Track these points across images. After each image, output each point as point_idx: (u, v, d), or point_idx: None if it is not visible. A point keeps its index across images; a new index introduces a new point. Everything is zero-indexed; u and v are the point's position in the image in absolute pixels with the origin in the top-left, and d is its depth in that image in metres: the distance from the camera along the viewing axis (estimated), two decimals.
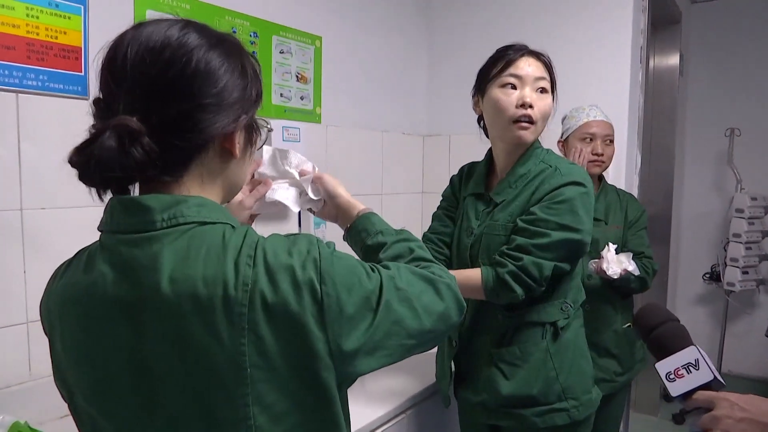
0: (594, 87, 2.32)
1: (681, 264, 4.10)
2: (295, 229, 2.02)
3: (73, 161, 0.65)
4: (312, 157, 1.92)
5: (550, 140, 1.74)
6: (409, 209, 2.72)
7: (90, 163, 0.64)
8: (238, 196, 1.05)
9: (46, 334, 0.77)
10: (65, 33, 1.40)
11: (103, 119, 0.66)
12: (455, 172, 1.63)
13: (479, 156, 1.57)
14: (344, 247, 0.91)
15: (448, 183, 1.63)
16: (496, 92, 1.38)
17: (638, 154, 2.53)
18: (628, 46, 2.31)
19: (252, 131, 0.78)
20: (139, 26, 0.69)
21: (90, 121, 0.69)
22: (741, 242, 3.59)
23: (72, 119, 1.37)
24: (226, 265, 0.65)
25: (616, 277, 1.84)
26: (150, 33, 0.68)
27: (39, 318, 0.78)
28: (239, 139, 0.74)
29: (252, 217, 1.10)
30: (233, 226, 0.71)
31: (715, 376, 0.89)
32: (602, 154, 2.01)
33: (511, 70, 1.36)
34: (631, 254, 1.90)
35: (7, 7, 1.29)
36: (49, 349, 0.77)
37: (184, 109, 0.67)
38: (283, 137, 1.89)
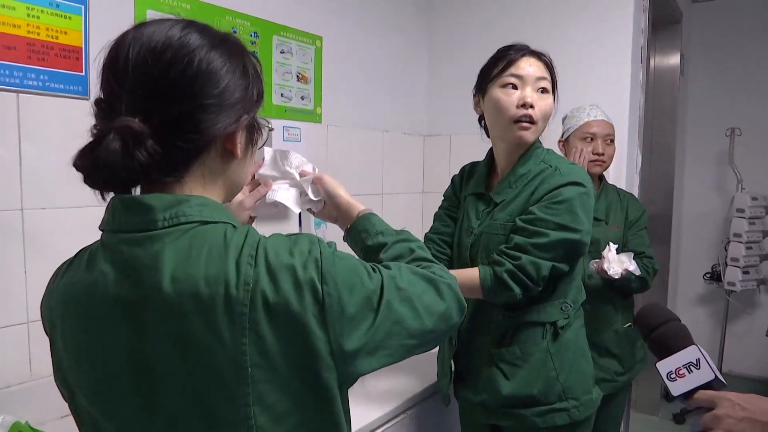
0: (594, 87, 2.32)
1: (681, 264, 4.10)
2: (295, 229, 2.02)
3: (77, 165, 0.65)
4: (312, 157, 1.92)
5: (550, 140, 1.74)
6: (409, 209, 2.72)
7: (95, 166, 0.64)
8: (238, 197, 1.05)
9: (46, 333, 0.77)
10: (66, 33, 1.40)
11: (105, 120, 0.66)
12: (456, 172, 1.63)
13: (480, 156, 1.57)
14: (345, 248, 0.91)
15: (448, 183, 1.63)
16: (497, 92, 1.38)
17: (639, 154, 2.53)
18: (628, 45, 2.31)
19: (253, 131, 0.78)
20: (140, 26, 0.69)
21: (91, 121, 0.69)
22: (742, 242, 3.59)
23: (72, 119, 1.37)
24: (228, 264, 0.65)
25: (617, 277, 1.84)
26: (151, 33, 0.68)
27: (39, 318, 0.78)
28: (241, 139, 0.74)
29: (252, 218, 1.10)
30: (235, 226, 0.71)
31: (716, 375, 0.89)
32: (603, 154, 2.01)
33: (512, 70, 1.36)
34: (632, 254, 1.90)
35: (8, 7, 1.29)
36: (50, 349, 0.77)
37: (186, 110, 0.67)
38: (284, 137, 1.89)
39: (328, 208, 1.12)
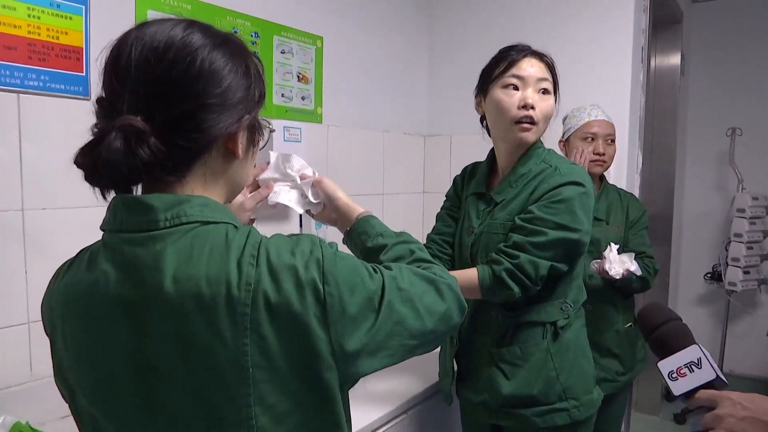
0: (595, 87, 2.32)
1: (682, 264, 4.09)
2: (296, 230, 2.02)
3: (78, 162, 0.65)
4: (313, 157, 1.92)
5: (551, 140, 1.74)
6: (410, 209, 2.72)
7: (97, 164, 0.64)
8: (239, 198, 1.06)
9: (46, 333, 0.77)
10: (66, 33, 1.40)
11: (107, 119, 0.66)
12: (456, 172, 1.63)
13: (480, 156, 1.57)
14: (345, 249, 0.91)
15: (448, 183, 1.64)
16: (498, 93, 1.38)
17: (639, 154, 2.53)
18: (629, 45, 2.31)
19: (255, 132, 0.78)
20: (142, 26, 0.69)
21: (92, 121, 0.69)
22: (742, 242, 3.59)
23: (73, 120, 1.37)
24: (229, 264, 0.65)
25: (618, 277, 1.84)
26: (154, 33, 0.68)
27: (40, 318, 0.78)
28: (242, 140, 0.74)
29: (252, 219, 1.10)
30: (236, 226, 0.71)
31: (717, 374, 0.89)
32: (604, 154, 2.01)
33: (514, 70, 1.36)
34: (633, 254, 1.90)
35: (9, 8, 1.29)
36: (50, 349, 0.77)
37: (188, 109, 0.67)
38: (285, 137, 1.89)
39: (328, 210, 1.12)
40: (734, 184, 3.76)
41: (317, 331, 0.66)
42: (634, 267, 1.86)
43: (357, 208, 1.07)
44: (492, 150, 1.52)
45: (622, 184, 2.30)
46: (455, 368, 1.54)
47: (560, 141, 2.10)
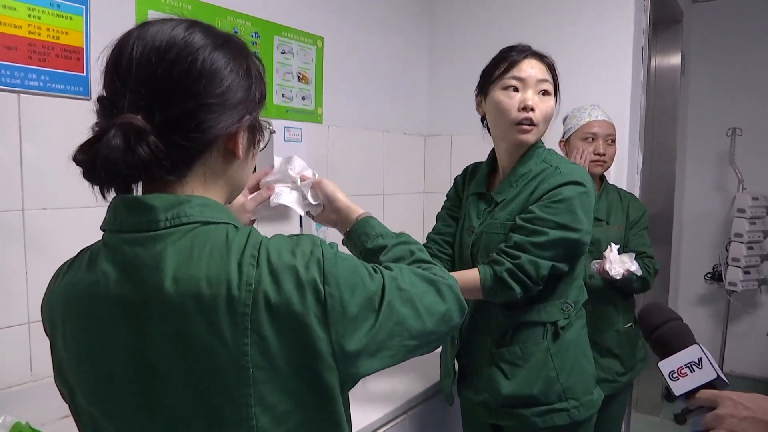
0: (595, 87, 2.32)
1: (682, 264, 4.09)
2: (297, 231, 2.02)
3: (77, 159, 0.65)
4: (313, 158, 1.92)
5: (551, 140, 1.74)
6: (410, 209, 2.72)
7: (96, 161, 0.64)
8: (240, 199, 1.06)
9: (46, 333, 0.77)
10: (67, 33, 1.40)
11: (107, 117, 0.66)
12: (456, 172, 1.63)
13: (480, 156, 1.57)
14: (345, 250, 0.90)
15: (449, 183, 1.64)
16: (498, 94, 1.38)
17: (640, 154, 2.53)
18: (629, 45, 2.31)
19: (255, 132, 0.78)
20: (144, 25, 0.70)
21: (92, 120, 0.69)
22: (743, 242, 3.59)
23: (73, 120, 1.37)
24: (230, 265, 0.65)
25: (618, 277, 1.84)
26: (155, 32, 0.68)
27: (40, 318, 0.78)
28: (242, 140, 0.74)
29: (252, 220, 1.11)
30: (236, 227, 0.71)
31: (718, 374, 0.89)
32: (604, 154, 2.01)
33: (514, 72, 1.36)
34: (634, 254, 1.90)
35: (9, 8, 1.29)
36: (50, 349, 0.77)
37: (189, 109, 0.67)
38: (285, 137, 1.89)
39: (327, 211, 1.12)
40: (734, 184, 3.76)
41: (318, 331, 0.66)
42: (634, 267, 1.86)
43: (356, 209, 1.08)
44: (493, 150, 1.52)
45: (622, 184, 2.30)
46: (456, 368, 1.54)
47: (560, 141, 2.10)
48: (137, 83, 0.66)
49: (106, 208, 0.72)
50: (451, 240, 1.54)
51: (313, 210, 1.14)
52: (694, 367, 0.90)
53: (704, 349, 0.92)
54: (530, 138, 1.37)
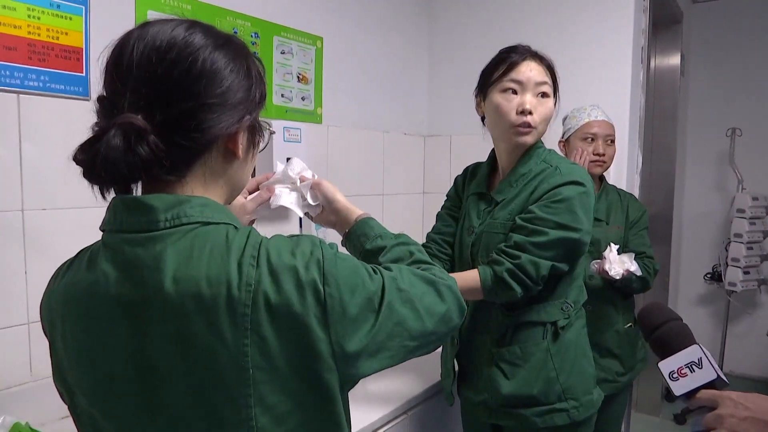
0: (595, 87, 2.32)
1: (682, 264, 4.09)
2: (296, 231, 2.02)
3: (77, 159, 0.65)
4: (313, 158, 1.92)
5: (551, 140, 1.74)
6: (410, 210, 2.72)
7: (96, 160, 0.64)
8: (240, 199, 1.06)
9: (45, 334, 0.77)
10: (66, 34, 1.40)
11: (107, 117, 0.66)
12: (456, 172, 1.63)
13: (480, 156, 1.57)
14: (345, 251, 0.91)
15: (448, 183, 1.64)
16: (497, 97, 1.38)
17: (639, 154, 2.53)
18: (629, 46, 2.31)
19: (255, 133, 0.78)
20: (144, 25, 0.70)
21: (91, 120, 0.69)
22: (742, 242, 3.59)
23: (73, 120, 1.37)
24: (230, 265, 0.65)
25: (618, 277, 1.84)
26: (156, 32, 0.68)
27: (39, 318, 0.78)
28: (242, 140, 0.75)
29: (252, 221, 1.11)
30: (236, 227, 0.71)
31: (718, 374, 0.89)
32: (603, 154, 2.01)
33: (513, 75, 1.36)
34: (633, 254, 1.90)
35: (9, 8, 1.29)
36: (50, 349, 0.77)
37: (189, 109, 0.67)
38: (284, 138, 1.89)
39: (326, 212, 1.13)
40: (734, 184, 3.76)
41: (317, 331, 0.66)
42: (634, 267, 1.86)
43: (355, 210, 1.08)
44: (493, 150, 1.52)
45: (622, 185, 2.30)
46: (456, 368, 1.54)
47: (560, 141, 2.10)
48: (137, 83, 0.66)
49: (105, 208, 0.71)
50: (451, 240, 1.54)
51: (312, 211, 1.14)
52: (694, 367, 0.90)
53: (704, 349, 0.91)
54: (529, 139, 1.37)
